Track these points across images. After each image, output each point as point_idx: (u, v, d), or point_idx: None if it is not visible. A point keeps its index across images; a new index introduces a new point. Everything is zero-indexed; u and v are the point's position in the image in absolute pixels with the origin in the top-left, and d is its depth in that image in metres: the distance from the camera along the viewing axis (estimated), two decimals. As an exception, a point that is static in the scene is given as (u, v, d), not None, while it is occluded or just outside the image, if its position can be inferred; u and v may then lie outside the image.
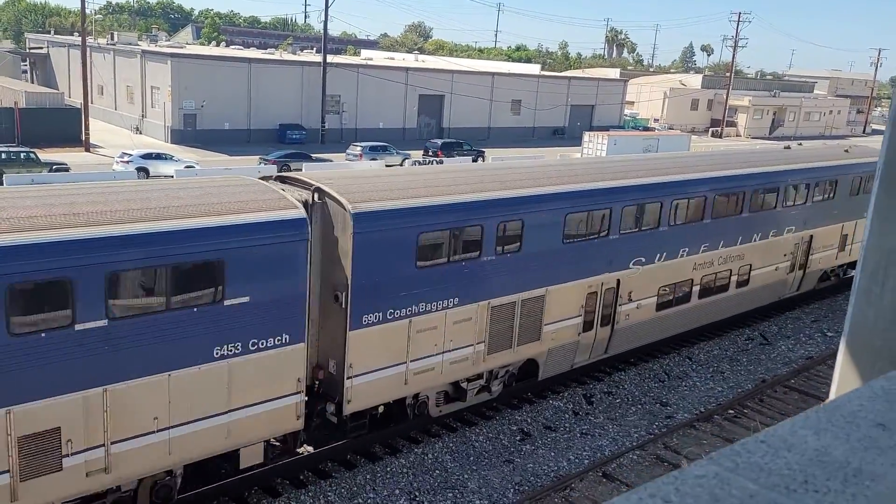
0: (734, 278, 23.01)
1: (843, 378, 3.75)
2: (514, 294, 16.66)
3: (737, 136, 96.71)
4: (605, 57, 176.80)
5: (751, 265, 23.41)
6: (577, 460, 16.12)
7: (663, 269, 20.39)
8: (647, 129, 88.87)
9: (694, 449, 16.65)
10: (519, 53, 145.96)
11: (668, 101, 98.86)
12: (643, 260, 19.76)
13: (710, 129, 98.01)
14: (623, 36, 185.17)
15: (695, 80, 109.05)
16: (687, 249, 20.96)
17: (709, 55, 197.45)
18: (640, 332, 20.42)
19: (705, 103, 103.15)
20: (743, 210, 22.49)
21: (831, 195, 25.99)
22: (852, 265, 27.61)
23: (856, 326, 3.62)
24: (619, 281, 19.21)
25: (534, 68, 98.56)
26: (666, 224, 20.14)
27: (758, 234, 23.29)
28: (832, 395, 3.96)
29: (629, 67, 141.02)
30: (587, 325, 18.81)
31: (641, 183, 19.79)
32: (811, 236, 25.66)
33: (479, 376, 16.93)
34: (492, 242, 15.97)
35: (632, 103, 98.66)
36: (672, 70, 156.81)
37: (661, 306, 20.71)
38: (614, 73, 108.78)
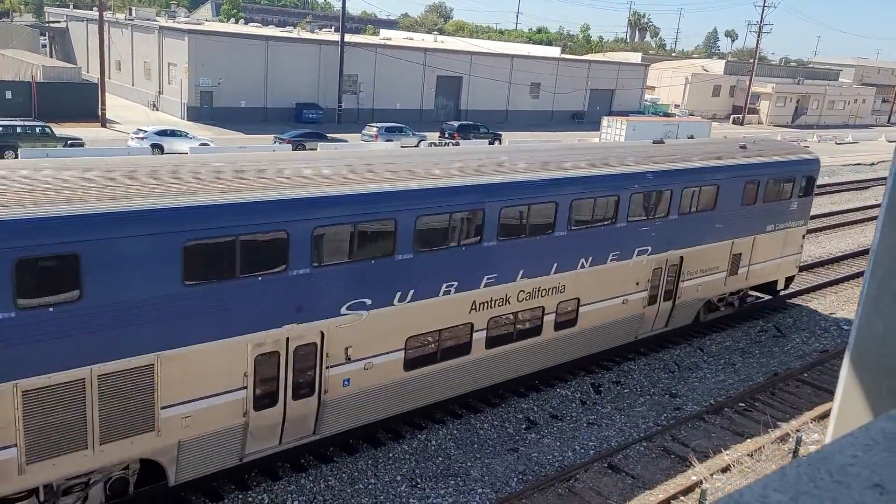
0: (550, 317, 17.37)
1: (844, 401, 3.42)
2: (81, 368, 10.84)
3: (759, 123, 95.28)
4: (627, 41, 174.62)
5: (578, 299, 17.86)
6: (582, 450, 15.88)
7: (410, 312, 14.65)
8: (667, 114, 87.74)
9: (702, 441, 16.36)
10: (539, 36, 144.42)
11: (690, 86, 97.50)
12: (367, 302, 13.94)
13: (732, 116, 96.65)
14: (646, 20, 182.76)
15: (717, 66, 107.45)
16: (455, 284, 15.23)
17: (733, 41, 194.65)
18: (373, 402, 14.70)
19: (727, 90, 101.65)
20: (556, 228, 16.86)
21: (710, 205, 20.68)
22: (762, 289, 24.66)
23: (862, 339, 3.29)
24: (322, 334, 13.47)
25: (554, 51, 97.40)
26: (408, 250, 14.26)
27: (586, 259, 17.70)
28: (832, 422, 3.63)
29: (651, 52, 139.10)
30: (261, 403, 13.08)
31: (360, 192, 13.73)
32: (680, 258, 20.27)
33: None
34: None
35: (652, 88, 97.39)
36: (695, 55, 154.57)
37: (413, 363, 15.12)
38: (636, 57, 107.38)
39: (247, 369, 12.64)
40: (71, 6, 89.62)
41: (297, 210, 12.81)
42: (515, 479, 14.63)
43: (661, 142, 23.57)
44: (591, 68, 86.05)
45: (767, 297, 25.29)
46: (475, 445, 15.73)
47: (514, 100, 78.16)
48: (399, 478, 14.32)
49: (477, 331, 16.02)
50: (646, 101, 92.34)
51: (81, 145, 40.52)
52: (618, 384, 19.21)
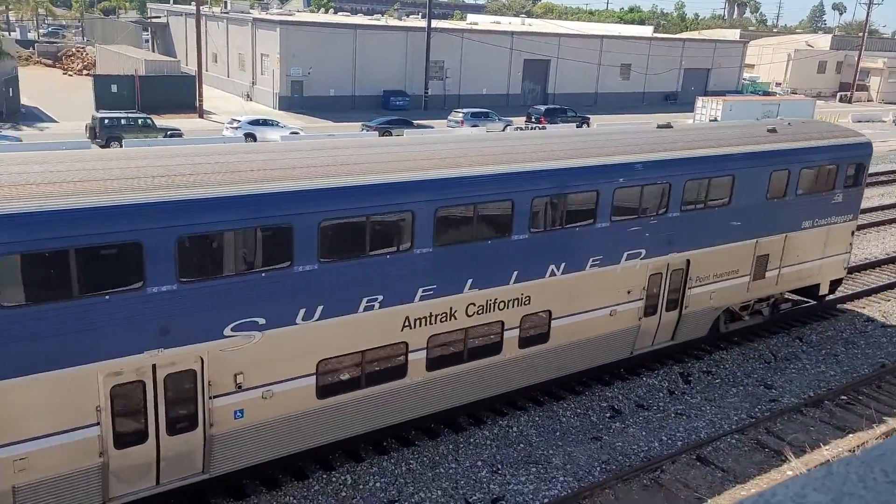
0: (513, 333, 14.96)
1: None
2: None
3: (868, 100, 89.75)
4: (725, 18, 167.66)
5: (549, 312, 15.40)
6: (669, 441, 15.36)
7: (321, 331, 12.50)
8: (767, 93, 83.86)
9: (799, 436, 15.53)
10: (632, 15, 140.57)
11: (793, 63, 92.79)
12: (260, 322, 11.87)
13: (838, 94, 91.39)
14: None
15: (823, 42, 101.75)
16: (380, 298, 12.98)
17: (840, 14, 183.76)
18: (278, 435, 12.69)
19: (834, 66, 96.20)
20: (515, 231, 14.37)
21: (724, 199, 17.78)
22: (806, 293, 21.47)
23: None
24: (202, 360, 11.56)
25: (646, 30, 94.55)
26: (310, 260, 12.07)
27: (557, 265, 15.16)
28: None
29: (751, 28, 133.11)
30: (124, 440, 11.26)
31: (249, 192, 11.58)
32: (687, 261, 17.44)
33: None
34: None
35: (752, 66, 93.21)
36: (798, 31, 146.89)
37: (328, 390, 12.96)
38: (734, 34, 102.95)
39: (99, 402, 10.81)
40: (171, 1, 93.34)
41: (152, 216, 10.79)
42: (598, 469, 14.30)
43: (668, 126, 20.14)
44: (686, 47, 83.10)
45: (811, 301, 21.95)
46: (557, 433, 15.46)
47: (603, 82, 76.42)
48: (480, 463, 14.24)
49: (414, 351, 13.73)
50: (744, 79, 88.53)
51: (180, 135, 42.19)
52: (708, 374, 18.48)
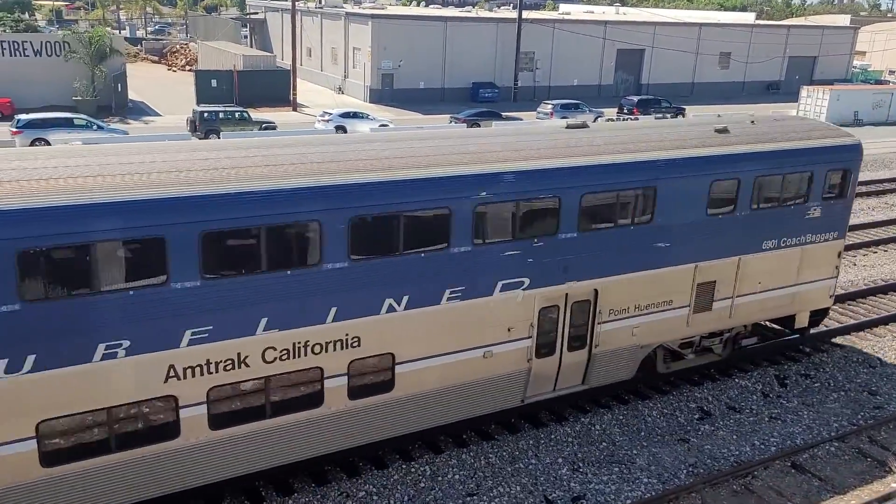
0: (338, 382, 12.09)
1: None
2: None
3: None
4: (835, 2, 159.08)
5: (392, 355, 12.43)
6: (762, 446, 14.64)
7: (40, 386, 9.97)
8: (879, 82, 79.06)
9: (907, 447, 14.51)
10: (733, 1, 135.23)
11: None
12: None
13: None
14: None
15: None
16: (127, 343, 10.37)
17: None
18: None
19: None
20: (326, 258, 11.39)
21: (643, 216, 14.32)
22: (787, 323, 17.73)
23: None
24: None
25: (748, 17, 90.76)
26: (10, 299, 9.52)
27: (397, 300, 12.18)
28: None
29: (862, 13, 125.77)
30: None
31: None
32: (594, 291, 14.21)
33: None
34: None
35: (863, 53, 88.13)
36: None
37: (58, 457, 10.35)
38: (844, 19, 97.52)
39: None
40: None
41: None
42: (685, 472, 13.77)
43: (583, 126, 15.93)
44: (791, 34, 79.30)
45: (791, 335, 18.21)
46: (642, 433, 14.98)
47: (700, 71, 73.88)
48: (560, 460, 13.96)
49: (187, 406, 11.08)
50: (854, 67, 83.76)
51: (274, 128, 43.39)
52: (806, 377, 17.51)
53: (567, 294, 13.92)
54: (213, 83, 55.77)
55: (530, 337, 13.71)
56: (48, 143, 36.72)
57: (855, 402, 16.49)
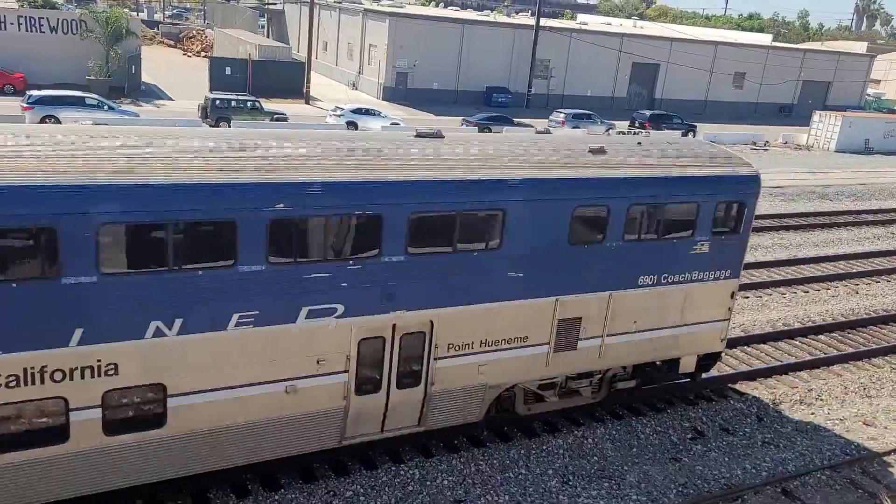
0: (88, 415, 10.25)
1: None
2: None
3: None
4: (853, 29, 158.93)
5: (163, 387, 10.61)
6: (754, 470, 14.57)
7: None
8: (892, 111, 78.89)
9: (899, 480, 14.43)
10: (750, 22, 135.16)
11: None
12: None
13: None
14: (876, 5, 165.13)
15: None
16: None
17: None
18: None
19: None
20: (69, 271, 9.53)
21: (492, 242, 12.53)
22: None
23: None
24: None
25: (764, 38, 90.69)
26: None
27: (168, 323, 10.37)
28: None
29: (879, 41, 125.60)
30: None
31: None
32: (429, 323, 12.47)
33: None
34: None
35: (878, 82, 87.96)
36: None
37: None
38: (860, 46, 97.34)
39: None
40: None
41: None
42: (675, 491, 13.70)
43: (436, 135, 13.63)
44: (806, 58, 79.26)
45: (673, 379, 16.78)
46: (634, 449, 14.92)
47: (714, 90, 73.86)
48: (550, 472, 13.90)
49: None
50: (868, 95, 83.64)
51: (285, 120, 43.38)
52: (802, 403, 17.45)
53: (395, 325, 12.08)
54: (228, 71, 55.83)
55: (346, 371, 11.89)
56: (58, 121, 36.74)
57: (850, 431, 16.41)
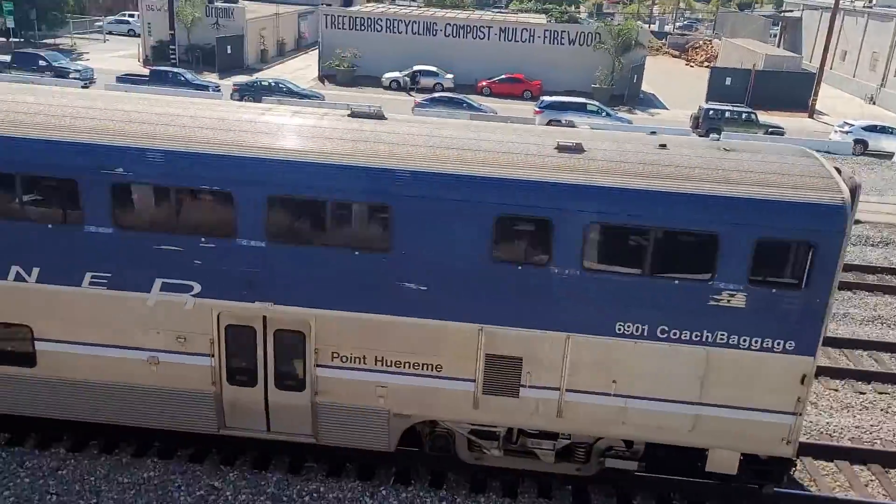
0: None
1: None
2: None
3: None
4: None
5: (31, 328, 10.98)
6: None
7: None
8: None
9: None
10: None
11: None
12: None
13: None
14: None
15: None
16: None
17: None
18: None
19: None
20: None
21: (379, 244, 10.36)
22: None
23: None
24: None
25: None
26: None
27: (28, 269, 10.70)
28: None
29: None
30: None
31: None
32: (309, 324, 10.77)
33: None
34: None
35: None
36: None
37: None
38: None
39: None
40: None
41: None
42: None
43: (374, 115, 11.57)
44: None
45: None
46: None
47: None
48: None
49: None
50: None
51: (781, 134, 40.34)
52: None
53: (265, 317, 10.82)
54: (728, 81, 54.20)
55: (213, 356, 11.02)
56: (561, 124, 40.18)
57: None
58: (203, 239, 10.44)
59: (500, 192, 10.09)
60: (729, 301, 10.08)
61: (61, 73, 44.20)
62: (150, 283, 10.72)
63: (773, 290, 10.01)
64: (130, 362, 11.14)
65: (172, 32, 52.19)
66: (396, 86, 52.46)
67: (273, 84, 44.38)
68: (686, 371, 10.45)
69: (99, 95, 12.92)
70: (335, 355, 10.92)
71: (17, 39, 58.38)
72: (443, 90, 49.74)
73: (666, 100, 55.58)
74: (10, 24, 57.40)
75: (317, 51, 58.39)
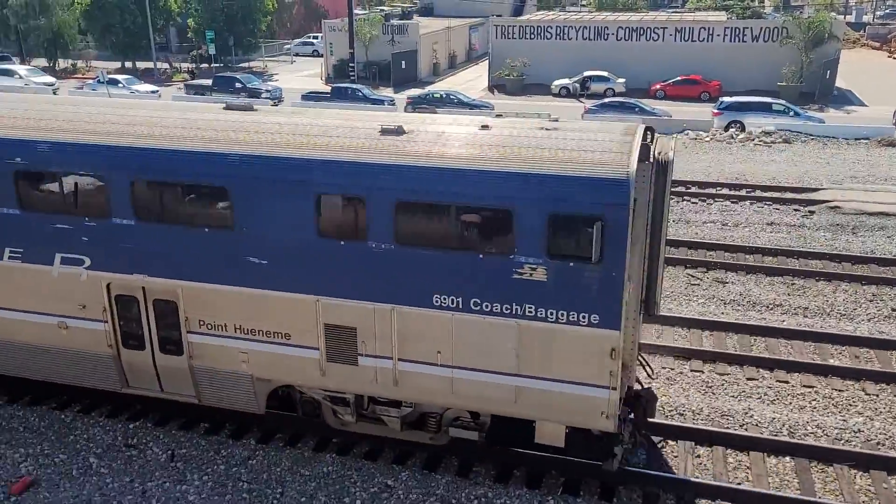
0: None
1: None
2: None
3: None
4: None
5: None
6: None
7: None
8: None
9: None
10: None
11: None
12: None
13: None
14: None
15: None
16: None
17: None
18: None
19: None
20: None
21: (223, 220, 11.38)
22: None
23: None
24: None
25: None
26: None
27: None
28: None
29: None
30: None
31: None
32: (178, 293, 11.96)
33: None
34: None
35: None
36: None
37: None
38: None
39: None
40: None
41: None
42: None
43: (246, 108, 12.94)
44: None
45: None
46: None
47: None
48: None
49: None
50: None
51: None
52: None
53: (144, 288, 12.10)
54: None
55: (106, 322, 12.42)
56: (742, 126, 37.93)
57: None
58: (87, 219, 11.93)
59: (321, 172, 10.79)
60: (531, 275, 10.25)
61: (254, 94, 47.90)
62: (52, 257, 12.31)
63: (571, 264, 10.06)
64: (46, 327, 12.72)
65: (352, 51, 54.99)
66: (566, 93, 52.01)
67: (444, 95, 45.52)
68: (501, 343, 10.68)
69: None
70: (202, 322, 12.00)
71: (217, 65, 64.16)
72: (614, 95, 48.67)
73: (865, 96, 50.90)
74: (212, 51, 63.21)
75: (487, 61, 59.26)
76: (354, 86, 48.75)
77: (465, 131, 11.21)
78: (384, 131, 11.16)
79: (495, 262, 10.34)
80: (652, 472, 11.79)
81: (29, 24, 60.73)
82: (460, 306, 10.66)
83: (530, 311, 10.40)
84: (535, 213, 9.98)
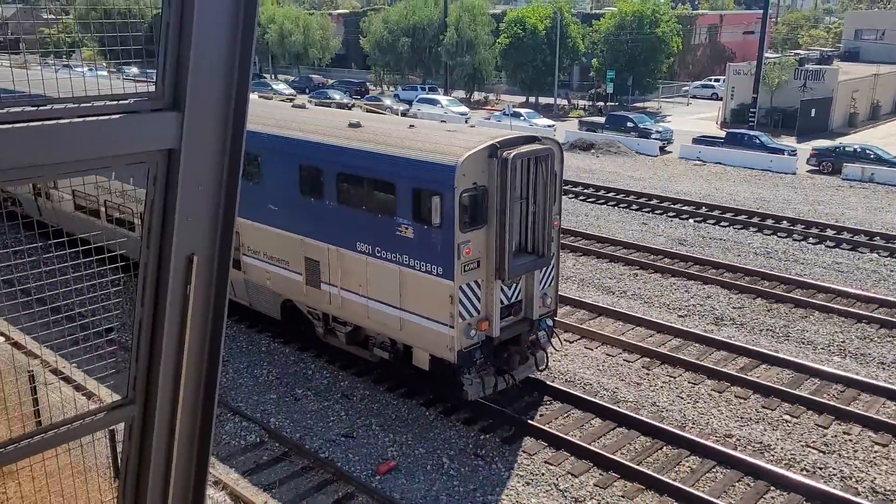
0: None
1: None
2: None
3: None
4: None
5: None
6: None
7: None
8: None
9: None
10: None
11: None
12: None
13: None
14: None
15: None
16: None
17: None
18: None
19: None
20: None
21: (256, 177, 16.98)
22: None
23: None
24: None
25: None
26: None
27: None
28: None
29: None
30: None
31: None
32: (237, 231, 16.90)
33: None
34: None
35: None
36: None
37: None
38: None
39: None
40: None
41: None
42: None
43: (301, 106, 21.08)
44: None
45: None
46: None
47: None
48: None
49: None
50: None
51: None
52: None
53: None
54: None
55: None
56: None
57: None
58: None
59: (302, 149, 15.83)
60: (405, 232, 14.02)
61: (644, 134, 47.92)
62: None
63: (425, 227, 13.71)
64: None
65: (755, 95, 51.91)
66: None
67: (859, 150, 40.45)
68: (391, 283, 14.39)
69: None
70: (250, 249, 17.49)
71: (613, 103, 65.72)
72: None
73: None
74: (610, 90, 64.93)
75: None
76: (752, 132, 45.85)
77: (396, 129, 15.33)
78: (350, 125, 15.72)
79: (386, 221, 14.28)
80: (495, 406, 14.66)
81: (456, 61, 68.97)
82: (371, 252, 14.71)
83: (405, 261, 14.13)
84: (406, 186, 13.83)
